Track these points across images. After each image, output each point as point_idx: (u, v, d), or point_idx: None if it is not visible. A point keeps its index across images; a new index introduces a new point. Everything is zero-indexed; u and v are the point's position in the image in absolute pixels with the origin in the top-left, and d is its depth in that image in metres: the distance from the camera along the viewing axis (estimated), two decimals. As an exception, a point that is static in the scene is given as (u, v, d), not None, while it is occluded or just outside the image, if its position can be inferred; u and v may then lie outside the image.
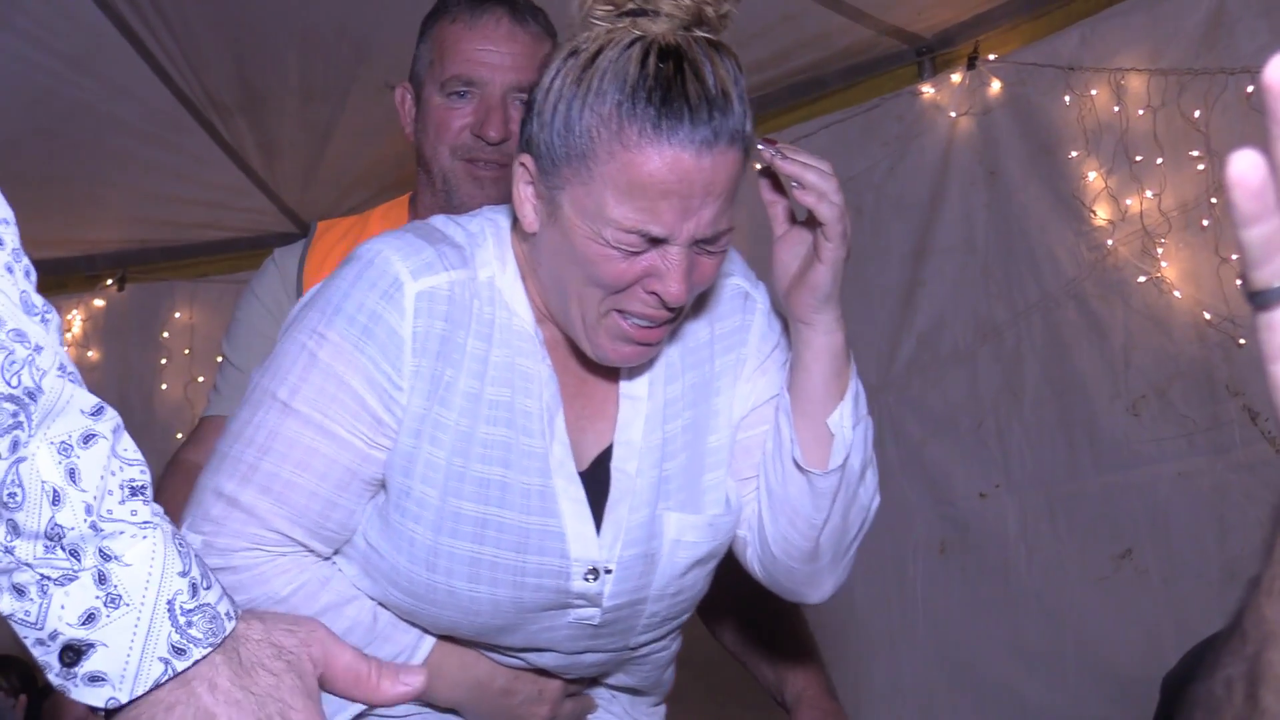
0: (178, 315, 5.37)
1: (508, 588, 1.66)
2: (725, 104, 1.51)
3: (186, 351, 5.34)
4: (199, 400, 5.05)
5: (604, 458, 1.74)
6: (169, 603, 1.04)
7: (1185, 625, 3.43)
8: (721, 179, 1.53)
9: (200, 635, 1.05)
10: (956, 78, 4.10)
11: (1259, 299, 0.79)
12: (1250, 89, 3.40)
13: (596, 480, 1.72)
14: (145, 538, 1.04)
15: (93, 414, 1.05)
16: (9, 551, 1.01)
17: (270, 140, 4.71)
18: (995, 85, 4.01)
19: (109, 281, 5.41)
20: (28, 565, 1.01)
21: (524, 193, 1.61)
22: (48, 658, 1.03)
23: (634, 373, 1.74)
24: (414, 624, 1.73)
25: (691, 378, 1.77)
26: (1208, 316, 3.54)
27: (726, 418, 1.79)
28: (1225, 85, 3.48)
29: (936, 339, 4.15)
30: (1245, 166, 0.75)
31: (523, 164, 1.60)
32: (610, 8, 1.53)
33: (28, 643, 1.03)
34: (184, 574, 1.06)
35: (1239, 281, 0.80)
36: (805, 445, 1.71)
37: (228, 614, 1.08)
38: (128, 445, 1.07)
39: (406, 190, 2.49)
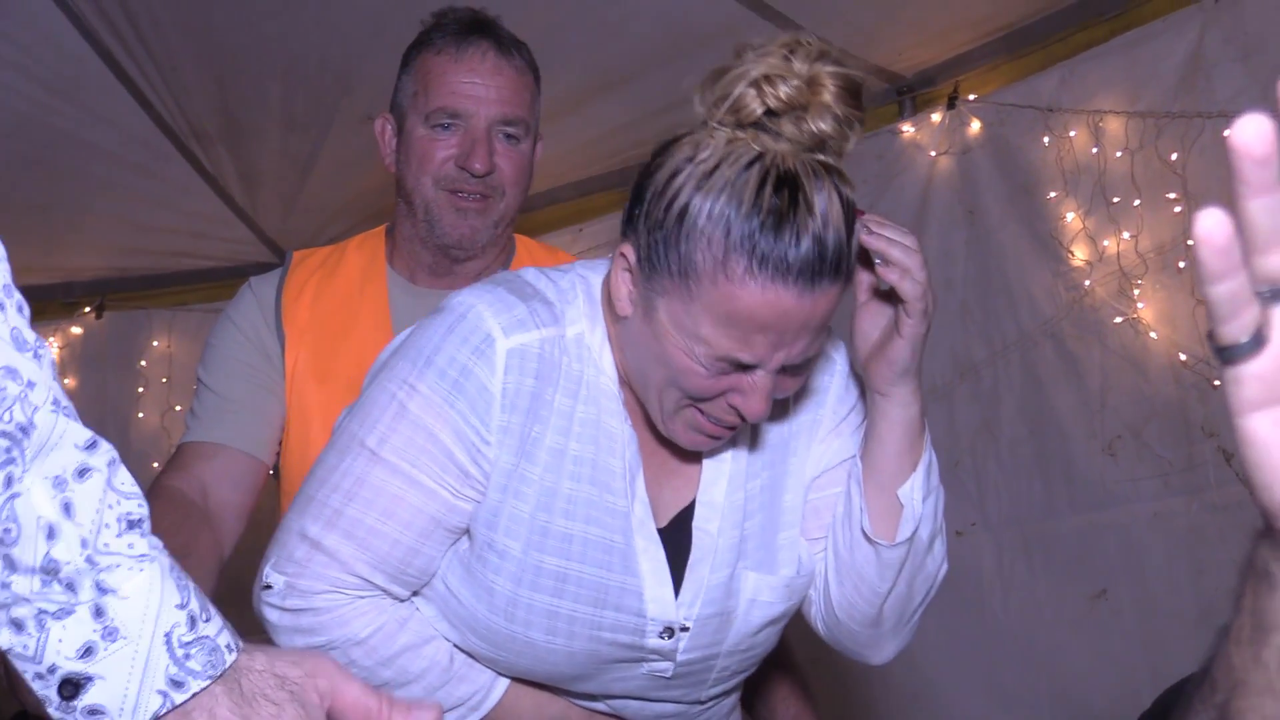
0: (156, 344, 5.36)
1: (584, 640, 1.68)
2: (835, 242, 1.49)
3: (164, 380, 5.32)
4: (176, 429, 5.03)
5: (684, 515, 1.74)
6: (166, 635, 1.05)
7: (1160, 665, 3.43)
8: (819, 314, 1.53)
9: (199, 668, 1.05)
10: (936, 117, 4.12)
11: (1226, 354, 0.80)
12: (1227, 132, 3.40)
13: (676, 538, 1.72)
14: (142, 570, 1.05)
15: (87, 448, 1.05)
16: (5, 587, 1.02)
17: (251, 170, 4.70)
18: (975, 125, 4.03)
19: (87, 309, 5.39)
20: (25, 600, 1.02)
21: (620, 279, 1.60)
22: (47, 691, 1.04)
23: None
24: (489, 668, 1.75)
25: (771, 436, 1.77)
26: (1183, 358, 3.56)
27: (799, 478, 1.79)
28: (1203, 129, 3.50)
29: (914, 377, 4.15)
30: (1211, 224, 0.76)
31: (623, 253, 1.59)
32: (734, 119, 1.50)
33: (27, 676, 1.04)
34: (182, 606, 1.06)
35: (1207, 336, 0.81)
36: (875, 515, 1.71)
37: (228, 646, 1.09)
38: (125, 478, 1.08)
39: (387, 221, 2.49)
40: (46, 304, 5.38)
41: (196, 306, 5.31)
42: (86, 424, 1.09)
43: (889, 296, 1.64)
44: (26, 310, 1.08)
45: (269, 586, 1.67)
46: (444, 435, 1.61)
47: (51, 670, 1.03)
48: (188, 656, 1.05)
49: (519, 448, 1.63)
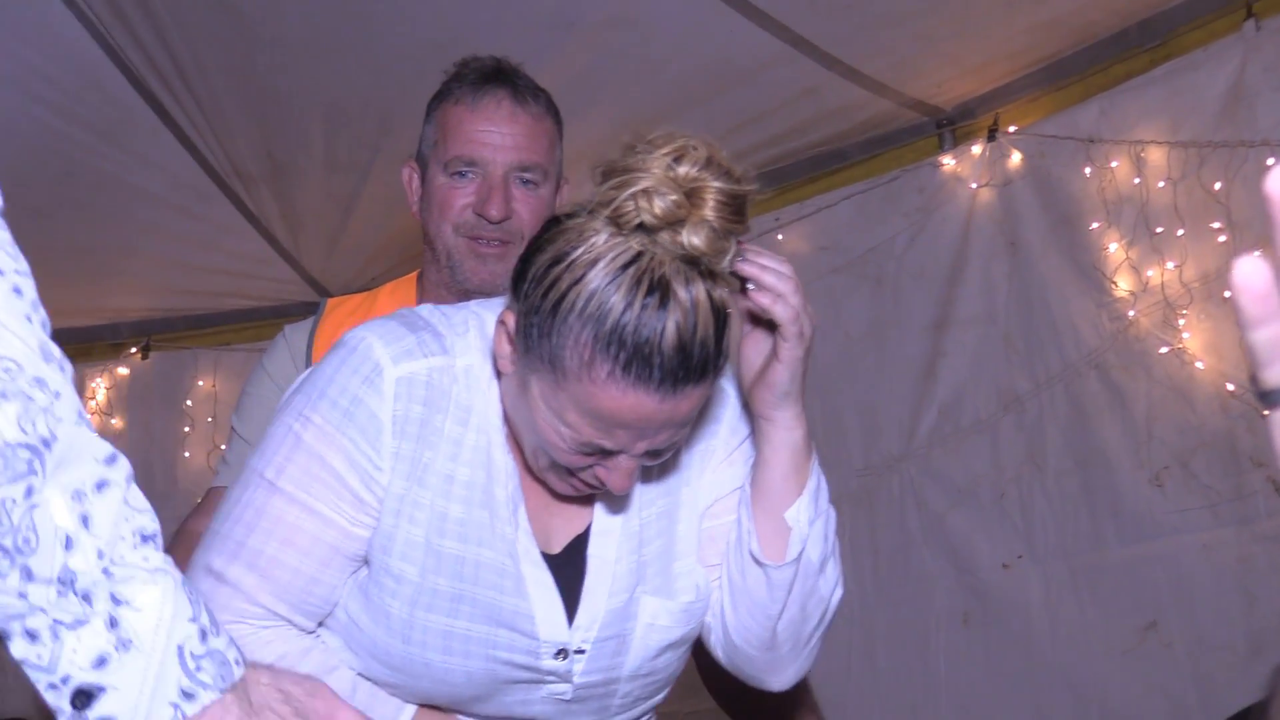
0: (201, 383, 5.39)
1: (480, 660, 1.70)
2: (701, 349, 1.52)
3: (210, 419, 5.35)
4: (221, 468, 5.06)
5: (579, 541, 1.76)
6: (179, 647, 1.06)
7: (1211, 698, 3.40)
8: (682, 413, 1.56)
9: (209, 680, 1.07)
10: (977, 149, 4.12)
11: (1270, 398, 0.79)
12: (1270, 161, 3.41)
13: (571, 564, 1.75)
14: (156, 583, 1.06)
15: (106, 461, 1.06)
16: (23, 596, 1.03)
17: (294, 210, 4.74)
18: (1015, 157, 4.02)
19: (133, 350, 5.44)
20: (41, 610, 1.03)
21: (502, 339, 1.63)
22: (59, 702, 1.05)
23: None
24: (394, 695, 1.75)
25: (665, 466, 1.79)
26: (1230, 387, 3.53)
27: (692, 507, 1.82)
28: (1245, 158, 3.48)
29: (958, 409, 4.14)
30: (1249, 271, 0.76)
31: (504, 321, 1.62)
32: (616, 220, 1.52)
33: (40, 686, 1.05)
34: (193, 620, 1.08)
35: (1250, 380, 0.81)
36: (763, 538, 1.73)
37: (236, 660, 1.11)
38: (137, 494, 1.10)
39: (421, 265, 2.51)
40: (93, 344, 5.43)
41: (241, 346, 5.35)
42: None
43: (771, 324, 1.66)
44: (49, 327, 1.10)
45: None
46: (337, 463, 1.64)
47: (65, 680, 1.04)
48: (199, 669, 1.07)
49: (410, 473, 1.66)
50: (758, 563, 1.73)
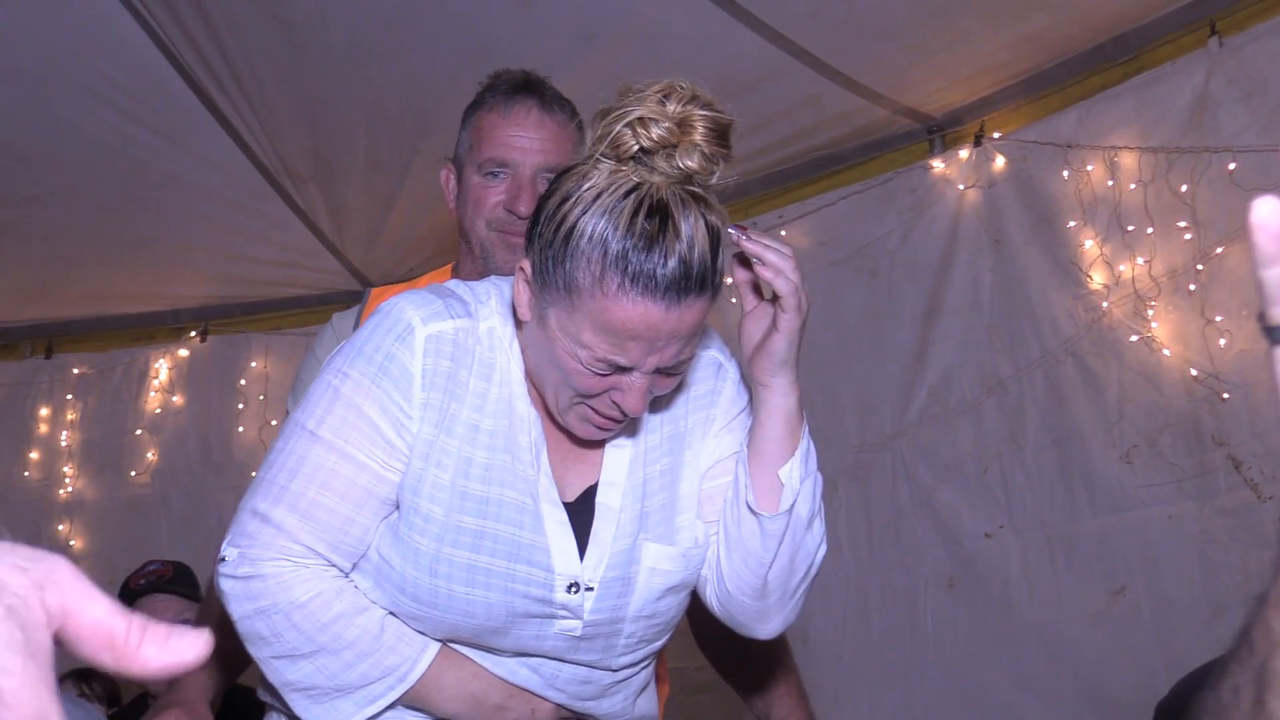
0: (254, 365, 5.41)
1: (500, 592, 1.73)
2: (700, 262, 1.56)
3: (261, 397, 5.38)
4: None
5: (590, 493, 1.80)
6: None
7: (1174, 657, 3.40)
8: (686, 325, 1.60)
9: None
10: (964, 154, 4.12)
11: (1276, 334, 0.78)
12: (1232, 166, 3.41)
13: (583, 511, 1.79)
14: None
15: None
16: None
17: (339, 206, 4.75)
18: (999, 161, 4.02)
19: (193, 333, 5.46)
20: None
21: (521, 288, 1.68)
22: None
23: None
24: (420, 630, 1.77)
25: (668, 430, 1.84)
26: (1194, 373, 3.53)
27: (694, 468, 1.86)
28: (1209, 162, 3.48)
29: (946, 392, 4.14)
30: (1268, 211, 0.75)
31: (523, 267, 1.67)
32: (615, 154, 1.58)
33: None
34: None
35: (1258, 316, 0.80)
36: (758, 491, 1.76)
37: None
38: None
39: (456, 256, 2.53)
40: (157, 329, 5.46)
41: (290, 331, 5.38)
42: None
43: (771, 300, 1.71)
44: None
45: (224, 559, 1.72)
46: (371, 412, 1.69)
47: None
48: None
49: (439, 421, 1.70)
50: (753, 513, 1.76)
